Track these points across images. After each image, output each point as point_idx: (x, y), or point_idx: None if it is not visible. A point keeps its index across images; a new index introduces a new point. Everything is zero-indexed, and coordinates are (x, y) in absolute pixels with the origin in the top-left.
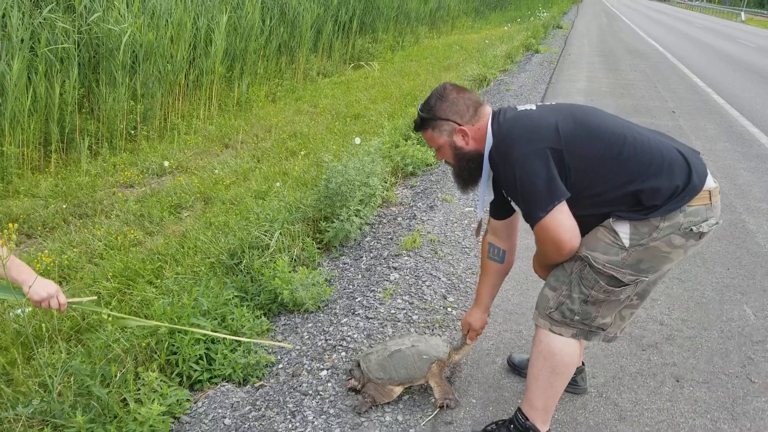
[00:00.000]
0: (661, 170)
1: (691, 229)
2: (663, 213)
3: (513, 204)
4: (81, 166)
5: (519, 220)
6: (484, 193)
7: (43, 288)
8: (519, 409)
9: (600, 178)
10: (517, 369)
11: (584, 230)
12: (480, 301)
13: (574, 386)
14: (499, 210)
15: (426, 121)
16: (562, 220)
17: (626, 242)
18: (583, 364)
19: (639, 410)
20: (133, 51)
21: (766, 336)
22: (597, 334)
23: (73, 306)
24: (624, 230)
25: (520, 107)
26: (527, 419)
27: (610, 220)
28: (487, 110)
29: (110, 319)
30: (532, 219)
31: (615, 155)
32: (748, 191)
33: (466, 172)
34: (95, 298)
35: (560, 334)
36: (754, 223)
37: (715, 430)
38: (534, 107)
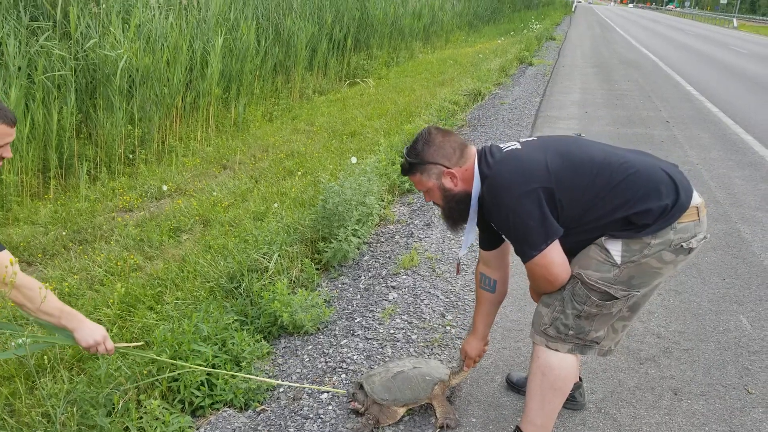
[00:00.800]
0: (650, 192)
1: (681, 246)
2: (654, 231)
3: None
4: (80, 191)
5: (510, 248)
6: (469, 235)
7: (91, 335)
8: (517, 428)
9: (591, 207)
10: (516, 387)
11: (576, 251)
12: (476, 329)
13: (573, 402)
14: (488, 240)
15: (414, 165)
16: (553, 257)
17: (618, 259)
18: (580, 379)
19: (638, 425)
20: (130, 75)
21: (762, 346)
22: (592, 347)
23: (121, 350)
24: (616, 248)
25: (505, 147)
26: None
27: (603, 238)
28: (473, 151)
29: (164, 364)
30: (525, 257)
31: (604, 185)
32: (742, 200)
33: (456, 213)
34: (142, 343)
35: (556, 350)
36: (749, 232)
37: None
38: (519, 145)
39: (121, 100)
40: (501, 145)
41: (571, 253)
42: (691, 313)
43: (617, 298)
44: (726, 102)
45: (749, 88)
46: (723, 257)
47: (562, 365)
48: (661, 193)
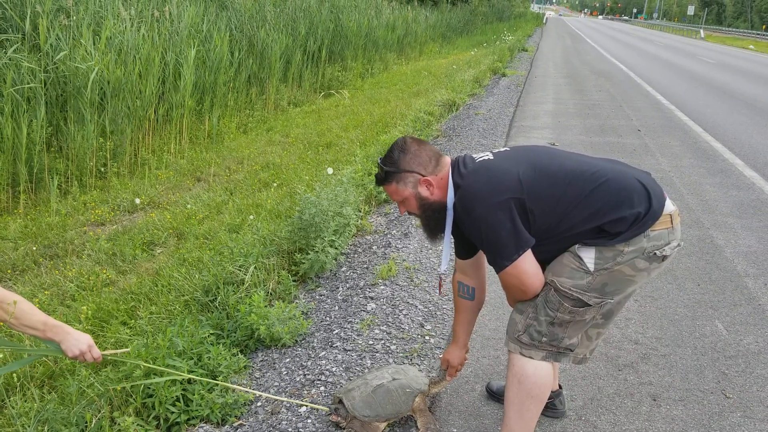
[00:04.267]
0: (622, 201)
1: (655, 253)
2: (627, 238)
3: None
4: (51, 205)
5: (485, 257)
6: (447, 248)
7: (76, 345)
8: None
9: (564, 217)
10: (496, 396)
11: (550, 260)
12: (457, 338)
13: (553, 410)
14: (464, 249)
15: (390, 174)
16: (525, 267)
17: (591, 267)
18: (560, 387)
19: (618, 431)
20: (101, 88)
21: (738, 351)
22: (566, 355)
23: (108, 357)
24: (589, 255)
25: (478, 157)
26: None
27: (576, 246)
28: (447, 160)
29: (143, 368)
30: (497, 267)
31: (576, 194)
32: (714, 206)
33: (433, 221)
34: (129, 350)
35: (531, 357)
36: (722, 238)
37: None
38: (491, 156)
39: (93, 112)
40: (474, 156)
41: (545, 262)
42: (668, 318)
43: (590, 305)
44: (695, 111)
45: (718, 96)
46: (697, 263)
47: (537, 373)
48: (634, 202)
